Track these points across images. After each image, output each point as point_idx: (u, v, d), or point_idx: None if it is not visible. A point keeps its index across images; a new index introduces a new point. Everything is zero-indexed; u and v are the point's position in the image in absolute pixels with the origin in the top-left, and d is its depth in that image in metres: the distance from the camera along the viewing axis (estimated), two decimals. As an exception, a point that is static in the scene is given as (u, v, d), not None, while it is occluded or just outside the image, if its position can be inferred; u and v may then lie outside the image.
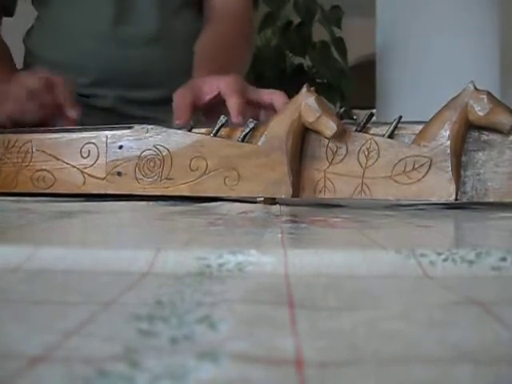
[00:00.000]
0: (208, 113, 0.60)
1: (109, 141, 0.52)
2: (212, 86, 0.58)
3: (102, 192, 0.52)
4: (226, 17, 0.81)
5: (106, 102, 0.82)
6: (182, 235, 0.28)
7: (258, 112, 0.57)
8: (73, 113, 0.65)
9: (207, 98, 0.58)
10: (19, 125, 0.64)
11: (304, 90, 0.46)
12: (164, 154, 0.50)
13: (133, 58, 0.80)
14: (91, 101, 0.83)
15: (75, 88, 0.69)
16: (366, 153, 0.45)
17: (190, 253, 0.21)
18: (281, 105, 0.54)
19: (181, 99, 0.57)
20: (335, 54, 2.78)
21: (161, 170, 0.50)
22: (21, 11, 0.89)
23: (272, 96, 0.56)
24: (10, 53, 0.84)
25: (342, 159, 0.46)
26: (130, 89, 0.82)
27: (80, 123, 0.76)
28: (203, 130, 0.49)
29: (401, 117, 0.45)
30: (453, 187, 0.42)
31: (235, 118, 0.53)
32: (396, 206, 0.48)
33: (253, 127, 0.47)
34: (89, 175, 0.52)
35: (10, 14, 0.88)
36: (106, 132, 0.52)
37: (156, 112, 0.83)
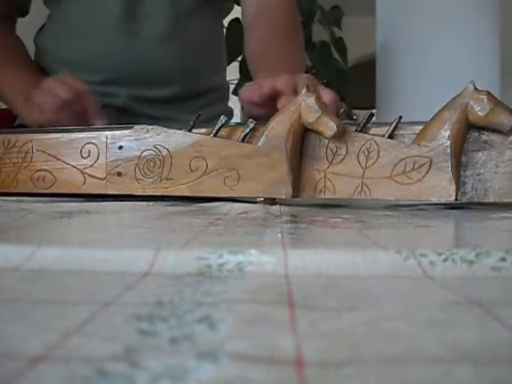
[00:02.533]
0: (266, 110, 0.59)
1: (109, 141, 0.52)
2: (270, 85, 0.58)
3: (102, 192, 0.52)
4: (267, 14, 0.79)
5: (118, 101, 0.82)
6: (182, 235, 0.28)
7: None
8: (99, 123, 0.65)
9: (266, 95, 0.57)
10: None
11: (304, 90, 0.46)
12: (164, 154, 0.50)
13: (145, 57, 0.80)
14: (103, 100, 0.83)
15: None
16: (366, 153, 0.45)
17: (190, 253, 0.21)
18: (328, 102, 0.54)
19: (247, 90, 0.57)
20: (335, 54, 2.78)
21: (161, 170, 0.50)
22: (30, 10, 0.89)
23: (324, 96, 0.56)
24: (26, 50, 0.85)
25: (342, 159, 0.46)
26: (142, 87, 0.82)
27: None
28: (203, 130, 0.50)
29: (401, 117, 0.45)
30: (453, 187, 0.42)
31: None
32: (396, 207, 0.48)
33: (253, 127, 0.47)
34: (89, 175, 0.52)
35: (24, 13, 0.88)
36: (106, 132, 0.52)
37: (168, 110, 0.83)
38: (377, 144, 0.45)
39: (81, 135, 0.53)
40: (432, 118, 0.44)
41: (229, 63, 0.99)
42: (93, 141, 0.53)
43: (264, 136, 0.46)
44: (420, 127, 0.45)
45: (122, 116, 0.80)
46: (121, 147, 0.51)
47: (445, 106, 0.44)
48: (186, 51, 0.83)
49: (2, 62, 0.79)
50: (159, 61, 0.81)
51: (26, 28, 0.91)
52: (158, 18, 0.81)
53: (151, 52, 0.81)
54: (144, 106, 0.83)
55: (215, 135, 0.48)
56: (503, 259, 0.20)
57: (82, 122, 0.64)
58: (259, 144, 0.46)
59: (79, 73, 0.82)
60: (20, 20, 0.89)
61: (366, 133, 0.46)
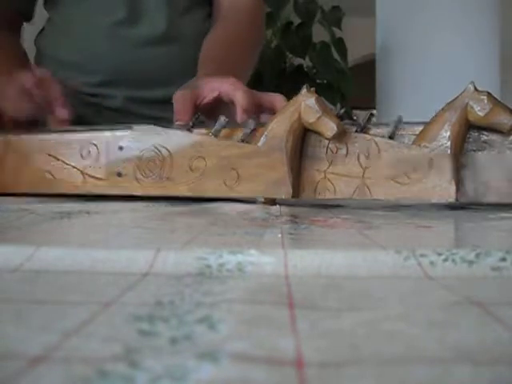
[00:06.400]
0: (208, 114, 0.59)
1: (109, 141, 0.52)
2: (213, 86, 0.58)
3: (102, 192, 0.52)
4: (233, 14, 0.81)
5: (115, 102, 0.83)
6: (182, 235, 0.28)
7: (258, 115, 0.57)
8: (63, 113, 0.63)
9: (207, 98, 0.58)
10: (16, 123, 0.64)
11: (304, 90, 0.46)
12: (164, 154, 0.50)
13: (142, 58, 0.80)
14: (101, 101, 0.83)
15: (75, 88, 0.68)
16: (366, 153, 0.45)
17: (190, 253, 0.21)
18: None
19: (181, 100, 0.57)
20: (335, 55, 2.78)
21: (161, 170, 0.50)
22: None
23: (272, 99, 0.56)
24: (24, 54, 0.85)
25: (342, 160, 0.46)
26: (140, 88, 0.82)
27: (90, 122, 0.76)
28: (203, 131, 0.50)
29: (401, 117, 0.45)
30: (453, 188, 0.42)
31: (241, 114, 0.53)
32: (396, 207, 0.48)
33: (253, 128, 0.47)
34: (89, 176, 0.52)
35: (30, 18, 0.89)
36: (107, 132, 0.52)
37: (166, 111, 0.83)
38: (377, 144, 0.45)
39: (81, 135, 0.53)
40: (432, 119, 0.44)
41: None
42: (93, 141, 0.53)
43: (264, 136, 0.46)
44: (420, 128, 0.45)
45: (120, 117, 0.80)
46: (121, 147, 0.51)
47: (445, 107, 0.44)
48: (183, 52, 0.83)
49: None
50: (157, 62, 0.81)
51: (26, 31, 0.91)
52: (155, 20, 0.81)
53: (148, 53, 0.81)
54: (142, 107, 0.83)
55: (215, 135, 0.48)
56: (503, 259, 0.20)
57: (44, 111, 0.63)
58: (259, 144, 0.46)
59: (78, 74, 0.82)
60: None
61: (366, 133, 0.46)
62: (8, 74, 0.71)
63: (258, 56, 0.86)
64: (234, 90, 0.55)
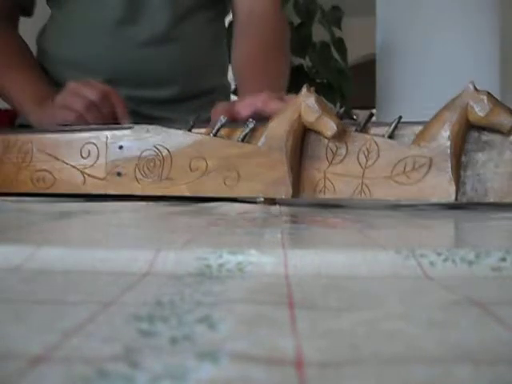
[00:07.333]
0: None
1: (109, 141, 0.52)
2: (247, 103, 0.58)
3: (102, 192, 0.52)
4: (257, 25, 0.81)
5: None
6: (181, 235, 0.28)
7: None
8: (127, 122, 0.64)
9: (244, 115, 0.57)
10: None
11: (304, 90, 0.46)
12: (164, 154, 0.50)
13: (144, 58, 0.81)
14: None
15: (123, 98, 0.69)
16: (366, 153, 0.45)
17: (190, 253, 0.21)
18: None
19: (218, 111, 0.57)
20: (335, 55, 2.78)
21: (161, 170, 0.50)
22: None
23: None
24: (30, 50, 0.85)
25: (342, 159, 0.46)
26: (142, 88, 0.82)
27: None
28: (203, 130, 0.50)
29: (401, 117, 0.45)
30: (453, 187, 0.42)
31: None
32: (396, 207, 0.48)
33: (252, 127, 0.47)
34: (89, 175, 0.52)
35: (29, 13, 0.89)
36: (106, 132, 0.52)
37: (167, 111, 0.83)
38: (377, 144, 0.45)
39: (81, 135, 0.53)
40: (432, 119, 0.44)
41: (229, 63, 0.99)
42: (93, 141, 0.53)
43: (264, 136, 0.46)
44: (420, 127, 0.45)
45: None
46: (121, 147, 0.51)
47: (445, 107, 0.44)
48: (185, 52, 0.83)
49: (7, 61, 0.79)
50: (158, 62, 0.81)
51: (28, 29, 0.91)
52: (157, 19, 0.81)
53: (151, 53, 0.81)
54: (143, 106, 0.83)
55: (215, 135, 0.48)
56: (503, 259, 0.20)
57: (108, 122, 0.64)
58: (259, 144, 0.46)
59: (79, 74, 0.82)
60: (22, 21, 0.89)
61: (365, 133, 0.46)
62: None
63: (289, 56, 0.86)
64: (265, 106, 0.55)
